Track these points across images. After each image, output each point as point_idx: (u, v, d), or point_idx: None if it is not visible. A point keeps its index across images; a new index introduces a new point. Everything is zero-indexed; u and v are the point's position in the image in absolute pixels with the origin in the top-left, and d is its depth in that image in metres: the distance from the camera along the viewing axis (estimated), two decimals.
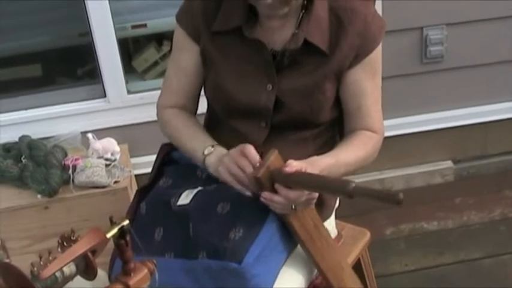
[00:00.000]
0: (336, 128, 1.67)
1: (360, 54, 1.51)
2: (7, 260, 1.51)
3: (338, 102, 1.58)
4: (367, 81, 1.55)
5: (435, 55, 2.56)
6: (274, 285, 1.46)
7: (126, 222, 1.21)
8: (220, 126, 1.62)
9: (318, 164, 1.42)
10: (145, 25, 2.66)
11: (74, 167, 2.23)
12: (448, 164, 2.83)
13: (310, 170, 1.37)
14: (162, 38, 2.73)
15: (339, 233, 1.79)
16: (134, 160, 2.48)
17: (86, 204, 2.22)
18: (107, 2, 2.36)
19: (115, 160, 2.28)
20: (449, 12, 2.49)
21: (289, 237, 1.51)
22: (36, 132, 2.45)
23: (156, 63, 2.71)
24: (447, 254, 2.44)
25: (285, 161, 1.39)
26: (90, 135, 2.32)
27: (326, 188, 1.38)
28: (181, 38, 1.61)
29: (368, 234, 1.84)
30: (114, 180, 2.24)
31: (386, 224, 2.59)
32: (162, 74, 1.70)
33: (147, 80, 2.70)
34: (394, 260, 2.44)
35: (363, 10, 1.51)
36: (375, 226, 2.25)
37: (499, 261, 2.39)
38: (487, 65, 2.63)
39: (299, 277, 1.54)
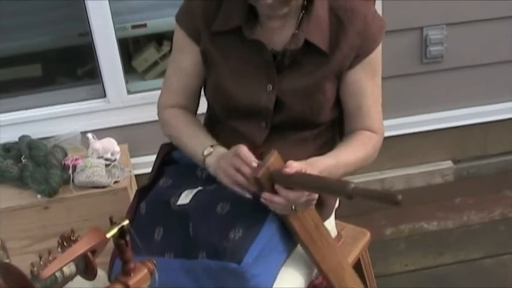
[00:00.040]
0: (336, 128, 1.67)
1: (360, 54, 1.51)
2: (7, 260, 1.51)
3: (338, 103, 1.58)
4: (367, 81, 1.55)
5: (435, 55, 2.56)
6: (274, 285, 1.46)
7: (126, 222, 1.21)
8: (220, 126, 1.62)
9: (318, 165, 1.42)
10: (145, 25, 2.66)
11: (74, 167, 2.23)
12: (448, 164, 2.83)
13: (310, 171, 1.37)
14: (162, 38, 2.73)
15: (338, 233, 1.79)
16: (134, 160, 2.48)
17: (85, 204, 2.22)
18: (107, 2, 2.36)
19: (115, 160, 2.28)
20: (449, 12, 2.49)
21: (289, 238, 1.51)
22: (36, 132, 2.45)
23: (156, 63, 2.71)
24: (447, 254, 2.44)
25: (285, 161, 1.39)
26: (90, 135, 2.32)
27: (325, 189, 1.39)
28: (181, 38, 1.61)
29: (368, 235, 1.84)
30: (114, 180, 2.24)
31: (386, 224, 2.59)
32: (162, 74, 1.70)
33: (147, 80, 2.70)
34: (394, 260, 2.44)
35: (363, 10, 1.51)
36: (374, 226, 2.25)
37: (499, 261, 2.39)
38: (487, 65, 2.63)
39: (299, 277, 1.54)
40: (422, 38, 2.54)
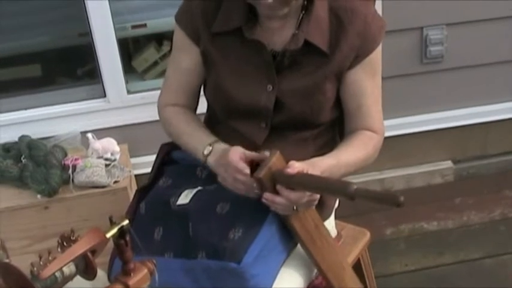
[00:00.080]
0: (336, 129, 1.66)
1: (360, 55, 1.51)
2: (7, 260, 1.51)
3: (338, 103, 1.58)
4: (367, 81, 1.55)
5: (435, 55, 2.56)
6: (274, 285, 1.46)
7: (126, 222, 1.21)
8: (220, 126, 1.62)
9: (319, 165, 1.42)
10: (145, 25, 2.66)
11: (74, 167, 2.23)
12: (448, 164, 2.83)
13: (311, 171, 1.37)
14: (162, 38, 2.73)
15: (338, 233, 1.79)
16: (134, 160, 2.48)
17: (85, 204, 2.22)
18: (107, 2, 2.36)
19: (115, 160, 2.28)
20: (449, 12, 2.49)
21: (289, 238, 1.51)
22: (36, 132, 2.45)
23: (156, 63, 2.71)
24: (447, 254, 2.44)
25: (287, 161, 1.39)
26: (90, 135, 2.32)
27: (328, 190, 1.39)
28: (180, 38, 1.61)
29: (368, 235, 1.83)
30: (113, 180, 2.24)
31: (386, 224, 2.59)
32: (162, 74, 1.70)
33: (147, 80, 2.70)
34: (394, 260, 2.44)
35: (363, 10, 1.51)
36: (374, 226, 2.25)
37: (499, 261, 2.39)
38: (487, 65, 2.63)
39: (298, 277, 1.54)
40: (423, 38, 2.54)
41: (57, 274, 1.16)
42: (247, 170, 1.39)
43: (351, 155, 1.52)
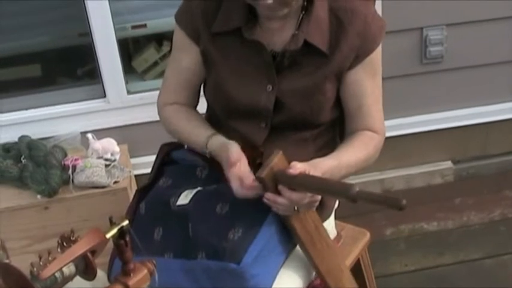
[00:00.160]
0: (336, 129, 1.66)
1: (360, 55, 1.51)
2: (7, 260, 1.51)
3: (338, 103, 1.58)
4: (367, 82, 1.55)
5: (435, 55, 2.56)
6: (273, 286, 1.46)
7: (126, 222, 1.21)
8: (220, 126, 1.62)
9: (321, 166, 1.41)
10: (145, 25, 2.66)
11: (74, 167, 2.23)
12: (448, 164, 2.83)
13: (313, 172, 1.37)
14: (162, 38, 2.73)
15: (338, 233, 1.78)
16: (134, 160, 2.48)
17: (85, 204, 2.22)
18: (107, 2, 2.36)
19: (115, 160, 2.28)
20: (449, 12, 2.49)
21: (288, 238, 1.51)
22: (35, 132, 2.45)
23: (155, 64, 2.71)
24: (447, 255, 2.44)
25: (288, 162, 1.39)
26: (89, 135, 2.32)
27: (329, 191, 1.38)
28: (180, 38, 1.61)
29: (368, 235, 1.83)
30: (113, 180, 2.24)
31: (386, 225, 2.59)
32: (162, 74, 1.70)
33: (147, 80, 2.70)
34: (394, 260, 2.44)
35: (363, 10, 1.51)
36: (374, 226, 2.25)
37: (499, 261, 2.39)
38: (487, 65, 2.63)
39: (298, 278, 1.54)
40: (422, 38, 2.54)
41: (57, 274, 1.16)
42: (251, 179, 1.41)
43: (351, 156, 1.52)
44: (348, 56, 1.50)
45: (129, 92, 2.54)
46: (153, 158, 1.73)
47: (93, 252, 1.19)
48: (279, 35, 1.51)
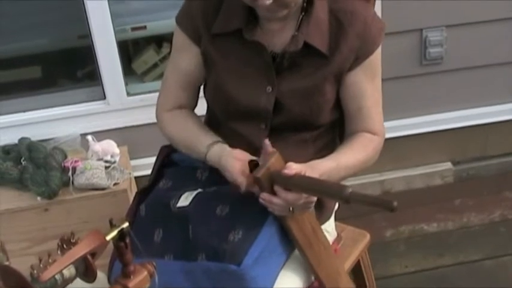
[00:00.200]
0: (336, 130, 1.66)
1: (359, 56, 1.51)
2: (7, 262, 1.51)
3: (338, 104, 1.58)
4: (367, 83, 1.55)
5: (435, 57, 2.56)
6: (273, 287, 1.46)
7: (126, 224, 1.21)
8: (220, 127, 1.62)
9: (319, 168, 1.41)
10: (144, 27, 2.66)
11: (74, 169, 2.23)
12: (448, 165, 2.83)
13: (309, 174, 1.37)
14: (161, 40, 2.73)
15: (338, 235, 1.78)
16: (134, 162, 2.48)
17: (85, 206, 2.22)
18: (107, 4, 2.36)
19: (115, 162, 2.28)
20: (449, 13, 2.49)
21: (288, 240, 1.51)
22: (35, 134, 2.45)
23: (155, 65, 2.71)
24: (447, 256, 2.44)
25: (286, 163, 1.39)
26: (89, 137, 2.32)
27: (323, 192, 1.39)
28: (181, 39, 1.61)
29: (368, 236, 1.83)
30: (113, 182, 2.24)
31: (386, 226, 2.59)
32: (161, 76, 1.70)
33: (147, 82, 2.70)
34: (394, 261, 2.44)
35: (363, 12, 1.51)
36: (374, 228, 2.25)
37: (499, 262, 2.39)
38: (487, 66, 2.63)
39: (298, 279, 1.53)
40: (422, 39, 2.54)
41: (57, 277, 1.16)
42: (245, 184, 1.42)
43: (350, 158, 1.51)
44: (347, 57, 1.50)
45: (129, 94, 2.54)
46: (153, 159, 1.72)
47: (93, 254, 1.19)
48: (278, 36, 1.51)
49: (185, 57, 1.61)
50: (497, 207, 2.65)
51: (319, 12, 1.49)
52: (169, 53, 1.69)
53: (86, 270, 1.19)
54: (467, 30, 2.54)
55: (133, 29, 2.64)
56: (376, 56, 1.54)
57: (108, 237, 1.19)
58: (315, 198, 1.43)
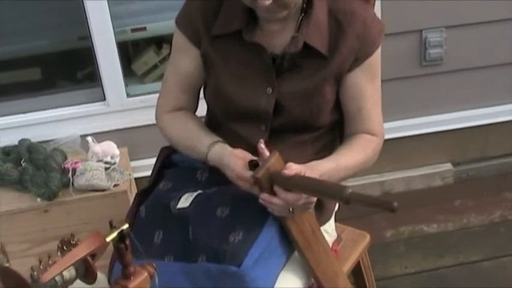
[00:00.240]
0: (336, 131, 1.66)
1: (359, 57, 1.51)
2: (7, 264, 1.51)
3: (338, 105, 1.58)
4: (366, 84, 1.55)
5: (434, 58, 2.56)
6: None
7: (126, 226, 1.21)
8: (220, 129, 1.62)
9: (319, 169, 1.42)
10: (144, 28, 2.66)
11: (74, 171, 2.23)
12: (448, 166, 2.83)
13: (309, 174, 1.37)
14: (161, 42, 2.73)
15: (338, 236, 1.78)
16: (134, 163, 2.48)
17: (85, 207, 2.22)
18: (107, 5, 2.36)
19: (115, 163, 2.28)
20: (449, 14, 2.49)
21: (288, 241, 1.51)
22: (35, 135, 2.45)
23: (155, 67, 2.71)
24: (447, 257, 2.44)
25: (286, 163, 1.39)
26: (89, 138, 2.32)
27: (323, 193, 1.39)
28: (180, 41, 1.61)
29: (368, 237, 1.84)
30: (113, 183, 2.24)
31: (386, 227, 2.59)
32: (161, 77, 1.70)
33: (147, 83, 2.70)
34: (394, 262, 2.44)
35: (362, 13, 1.51)
36: (374, 229, 2.25)
37: (499, 263, 2.39)
38: (487, 67, 2.63)
39: (298, 280, 1.53)
40: (422, 40, 2.54)
41: (57, 278, 1.16)
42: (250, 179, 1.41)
43: (350, 159, 1.52)
44: (347, 58, 1.50)
45: (128, 95, 2.54)
46: (153, 161, 1.73)
47: (93, 255, 1.19)
48: (278, 37, 1.52)
49: (185, 59, 1.61)
50: (497, 208, 2.65)
51: (318, 13, 1.49)
52: (169, 54, 1.69)
53: (86, 271, 1.20)
54: (467, 31, 2.54)
55: (133, 30, 2.64)
56: (376, 57, 1.54)
57: (108, 239, 1.19)
58: (314, 199, 1.43)
